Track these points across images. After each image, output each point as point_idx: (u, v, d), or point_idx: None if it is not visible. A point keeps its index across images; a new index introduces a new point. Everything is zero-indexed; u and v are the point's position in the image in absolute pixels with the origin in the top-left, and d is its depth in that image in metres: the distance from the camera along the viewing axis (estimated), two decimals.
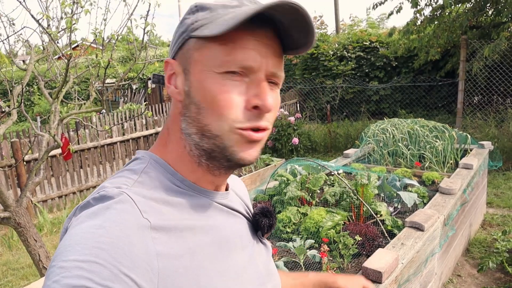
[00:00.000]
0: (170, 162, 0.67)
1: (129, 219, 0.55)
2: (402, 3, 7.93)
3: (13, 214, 2.46)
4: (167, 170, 0.66)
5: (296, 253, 2.17)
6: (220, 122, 0.61)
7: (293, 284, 0.97)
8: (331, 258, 2.20)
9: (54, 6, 3.46)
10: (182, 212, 0.63)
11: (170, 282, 0.54)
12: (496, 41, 6.27)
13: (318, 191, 3.06)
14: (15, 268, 4.09)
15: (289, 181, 2.97)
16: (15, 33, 2.70)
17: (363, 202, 2.55)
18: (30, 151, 5.44)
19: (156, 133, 7.16)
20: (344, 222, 2.52)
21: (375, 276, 1.78)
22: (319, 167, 3.27)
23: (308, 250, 2.23)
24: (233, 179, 0.86)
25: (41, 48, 2.92)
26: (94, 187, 6.12)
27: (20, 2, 2.32)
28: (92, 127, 6.19)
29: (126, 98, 14.60)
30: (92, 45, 2.83)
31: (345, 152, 4.31)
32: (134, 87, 14.19)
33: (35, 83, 13.61)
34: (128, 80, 5.89)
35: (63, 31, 2.68)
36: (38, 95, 14.96)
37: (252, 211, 0.83)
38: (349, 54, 10.02)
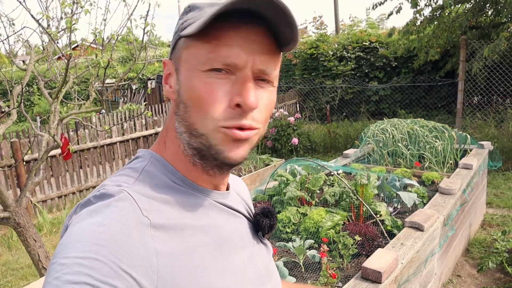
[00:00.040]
0: (170, 161, 0.68)
1: (129, 216, 0.55)
2: (402, 4, 7.94)
3: (13, 214, 2.46)
4: (168, 168, 0.67)
5: (296, 253, 2.17)
6: (205, 121, 0.61)
7: None
8: (331, 258, 2.20)
9: (54, 6, 3.46)
10: (182, 211, 0.63)
11: (169, 280, 0.55)
12: (495, 42, 6.27)
13: (318, 191, 3.06)
14: (14, 268, 4.08)
15: (288, 181, 2.97)
16: (15, 33, 2.70)
17: (363, 202, 2.55)
18: (29, 151, 5.44)
19: (156, 133, 7.16)
20: (343, 222, 2.52)
21: (374, 276, 1.78)
22: (319, 167, 3.27)
23: (307, 250, 2.23)
24: (234, 179, 0.86)
25: (41, 48, 2.92)
26: (94, 187, 6.12)
27: (20, 2, 2.32)
28: (91, 127, 6.19)
29: (125, 98, 14.60)
30: (92, 45, 2.83)
31: (345, 152, 4.32)
32: (133, 87, 14.19)
33: (35, 83, 13.62)
34: (127, 80, 5.89)
35: (63, 31, 2.68)
36: (38, 95, 14.95)
37: (254, 211, 0.83)
38: (348, 55, 10.02)
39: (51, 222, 5.09)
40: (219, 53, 0.59)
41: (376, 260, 1.85)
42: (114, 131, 6.54)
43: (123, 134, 6.72)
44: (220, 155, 0.63)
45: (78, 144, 6.05)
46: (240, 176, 4.61)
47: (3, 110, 2.71)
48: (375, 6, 8.28)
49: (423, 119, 4.51)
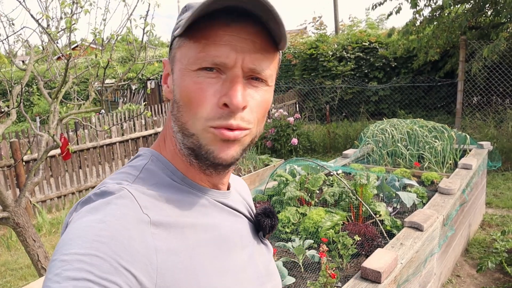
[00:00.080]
0: (170, 160, 0.68)
1: (129, 214, 0.56)
2: (401, 4, 7.95)
3: (12, 214, 2.46)
4: (168, 167, 0.67)
5: (295, 253, 2.17)
6: (195, 121, 0.61)
7: None
8: (330, 258, 2.20)
9: (53, 6, 3.46)
10: (182, 209, 0.63)
11: (169, 278, 0.55)
12: (495, 42, 6.28)
13: (317, 191, 3.06)
14: (13, 269, 4.08)
15: (288, 181, 2.97)
16: (15, 33, 2.70)
17: (362, 202, 2.55)
18: (29, 151, 5.43)
19: (155, 134, 7.16)
20: (343, 222, 2.52)
21: (374, 276, 1.78)
22: (318, 168, 3.27)
23: (307, 250, 2.23)
24: (236, 179, 0.86)
25: (41, 48, 2.92)
26: (93, 187, 6.11)
27: (19, 2, 2.32)
28: (91, 127, 6.19)
29: (125, 99, 14.59)
30: (92, 45, 2.83)
31: (344, 152, 4.32)
32: (133, 87, 14.18)
33: (34, 83, 13.62)
34: (127, 81, 5.89)
35: (63, 31, 2.68)
36: (38, 95, 14.94)
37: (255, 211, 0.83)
38: (348, 55, 10.02)
39: (50, 222, 5.08)
40: (208, 53, 0.59)
41: (376, 260, 1.85)
42: (114, 131, 6.54)
43: (123, 134, 6.72)
44: (210, 155, 0.62)
45: (78, 144, 6.04)
46: (239, 176, 4.61)
47: (2, 110, 2.70)
48: (374, 7, 8.28)
49: (422, 119, 4.52)
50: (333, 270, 1.90)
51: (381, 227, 2.42)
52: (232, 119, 0.60)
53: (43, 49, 2.87)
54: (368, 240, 2.24)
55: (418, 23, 7.94)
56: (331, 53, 10.20)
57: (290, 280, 2.00)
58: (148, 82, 13.37)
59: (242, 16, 0.59)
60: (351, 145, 6.30)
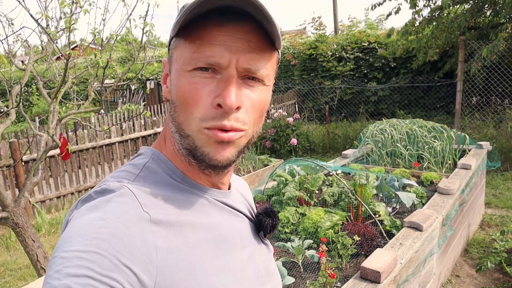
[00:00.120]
0: (170, 159, 0.68)
1: (130, 211, 0.56)
2: (401, 4, 7.95)
3: (11, 214, 2.46)
4: (168, 166, 0.67)
5: (295, 253, 2.17)
6: (190, 121, 0.61)
7: None
8: (330, 258, 2.20)
9: (53, 6, 3.46)
10: (182, 208, 0.63)
11: (168, 275, 0.55)
12: (494, 42, 6.29)
13: (317, 191, 3.06)
14: (12, 269, 4.08)
15: (287, 182, 2.97)
16: (14, 33, 2.70)
17: (362, 202, 2.55)
18: (28, 151, 5.43)
19: (155, 134, 7.16)
20: (342, 222, 2.52)
21: (373, 276, 1.78)
22: (318, 168, 3.27)
23: (306, 250, 2.23)
24: (237, 179, 0.86)
25: (40, 48, 2.92)
26: (93, 187, 6.08)
27: (19, 1, 2.31)
28: (90, 128, 6.19)
29: (124, 99, 14.59)
30: (91, 45, 2.83)
31: (344, 152, 4.32)
32: (132, 87, 14.18)
33: (33, 83, 13.60)
34: (126, 81, 5.89)
35: (62, 31, 2.67)
36: (37, 95, 14.93)
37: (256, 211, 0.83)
38: (347, 55, 10.02)
39: (49, 222, 5.08)
40: (202, 53, 0.59)
41: (375, 260, 1.85)
42: (113, 131, 6.53)
43: (122, 135, 6.71)
44: (206, 157, 0.62)
45: (77, 144, 6.04)
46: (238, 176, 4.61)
47: (2, 110, 2.70)
48: (374, 7, 8.28)
49: (421, 119, 4.52)
50: (333, 270, 1.90)
51: (381, 227, 2.42)
52: (226, 120, 0.60)
53: (43, 49, 2.86)
54: (368, 240, 2.24)
55: (417, 23, 7.94)
56: (330, 54, 10.20)
57: (290, 280, 2.00)
58: (148, 82, 13.37)
59: (236, 15, 0.59)
60: (351, 145, 6.31)
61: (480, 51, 6.69)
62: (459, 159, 3.88)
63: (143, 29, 2.55)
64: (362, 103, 9.71)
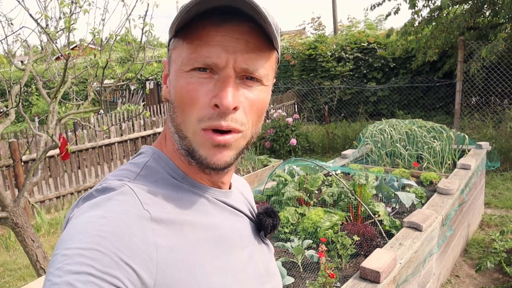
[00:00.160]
0: (170, 158, 0.69)
1: (130, 210, 0.56)
2: (400, 4, 7.95)
3: (11, 214, 2.45)
4: (169, 165, 0.67)
5: (294, 253, 2.17)
6: (187, 122, 0.61)
7: None
8: (329, 258, 2.20)
9: (52, 6, 3.46)
10: (182, 207, 0.63)
11: (168, 274, 0.55)
12: (493, 42, 6.29)
13: (316, 192, 3.07)
14: (12, 269, 4.07)
15: (287, 182, 2.97)
16: (14, 33, 2.70)
17: (361, 202, 2.55)
18: (28, 151, 5.43)
19: (154, 134, 7.16)
20: (342, 222, 2.52)
21: (373, 276, 1.78)
22: (317, 168, 3.27)
23: (306, 250, 2.23)
24: (238, 179, 0.86)
25: (40, 48, 2.92)
26: (92, 188, 6.09)
27: (18, 1, 2.31)
28: (90, 128, 6.19)
29: (124, 99, 14.58)
30: (91, 45, 2.83)
31: (343, 152, 4.32)
32: (132, 87, 14.17)
33: (33, 83, 13.59)
34: (126, 81, 5.88)
35: (62, 31, 2.67)
36: (36, 95, 14.92)
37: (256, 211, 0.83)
38: (347, 55, 10.03)
39: (49, 222, 5.08)
40: (199, 53, 0.59)
41: (375, 260, 1.85)
42: (113, 131, 6.53)
43: (122, 135, 6.71)
44: (203, 160, 0.62)
45: (77, 144, 6.03)
46: None
47: (1, 110, 2.70)
48: (373, 7, 8.29)
49: (421, 119, 4.52)
50: (332, 270, 1.90)
51: (380, 227, 2.42)
52: (223, 120, 0.60)
53: (42, 49, 2.86)
54: (367, 240, 2.24)
55: (416, 23, 7.95)
56: (329, 54, 10.21)
57: (289, 280, 2.01)
58: (147, 83, 13.37)
59: (234, 15, 0.59)
60: (350, 146, 6.31)
61: (479, 51, 6.70)
62: (458, 159, 3.88)
63: (142, 29, 2.55)
64: (361, 103, 9.71)
